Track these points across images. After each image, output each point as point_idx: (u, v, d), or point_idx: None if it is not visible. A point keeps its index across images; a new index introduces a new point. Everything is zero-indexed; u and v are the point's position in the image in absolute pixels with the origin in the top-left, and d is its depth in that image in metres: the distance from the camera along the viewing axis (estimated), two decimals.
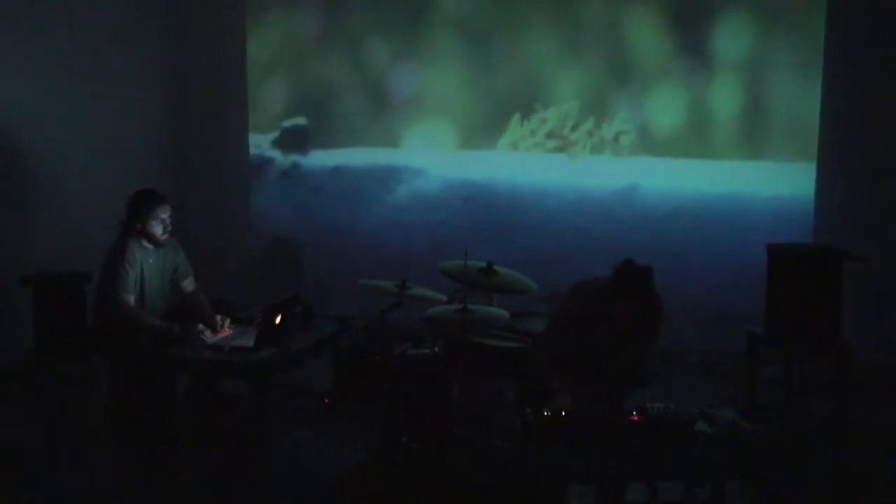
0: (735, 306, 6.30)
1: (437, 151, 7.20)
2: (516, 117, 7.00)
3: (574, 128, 6.89)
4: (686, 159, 6.91)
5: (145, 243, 5.09)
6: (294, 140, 7.44)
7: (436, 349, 4.97)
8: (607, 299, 4.24)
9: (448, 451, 4.47)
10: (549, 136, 6.89)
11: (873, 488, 4.67)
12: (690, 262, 6.86)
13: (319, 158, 7.42)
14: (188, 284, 5.34)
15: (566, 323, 4.47)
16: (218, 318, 5.09)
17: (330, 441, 4.90)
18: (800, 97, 6.69)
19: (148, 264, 5.12)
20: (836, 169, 6.61)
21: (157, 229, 5.08)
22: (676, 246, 6.86)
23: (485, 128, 7.14)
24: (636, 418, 3.94)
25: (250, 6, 7.47)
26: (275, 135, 7.49)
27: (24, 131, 6.10)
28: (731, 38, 6.75)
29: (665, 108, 6.88)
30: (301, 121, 7.41)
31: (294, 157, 7.43)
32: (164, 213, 5.10)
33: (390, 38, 7.23)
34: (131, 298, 4.99)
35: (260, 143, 7.54)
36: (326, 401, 5.22)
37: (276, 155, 7.49)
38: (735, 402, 5.12)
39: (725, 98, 6.82)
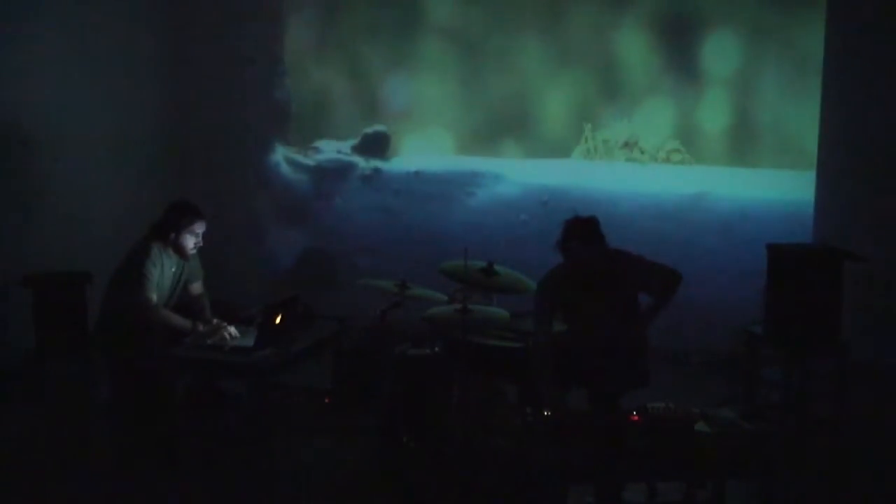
0: (735, 306, 6.30)
1: (511, 159, 7.33)
2: (588, 127, 7.11)
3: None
4: (687, 166, 7.00)
5: (171, 252, 5.11)
6: (374, 146, 7.53)
7: (436, 349, 4.97)
8: (565, 252, 4.52)
9: (448, 451, 4.47)
10: (625, 146, 7.02)
11: (873, 488, 4.67)
12: (691, 263, 6.86)
13: (400, 164, 7.50)
14: (197, 287, 5.35)
15: (543, 311, 4.63)
16: (215, 321, 5.09)
17: (330, 441, 4.90)
18: (799, 105, 6.72)
19: (169, 271, 5.13)
20: (836, 172, 6.59)
21: (190, 242, 5.12)
22: (676, 247, 6.86)
23: (481, 137, 7.27)
24: (636, 418, 3.94)
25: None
26: (354, 141, 7.58)
27: (24, 132, 6.09)
28: (724, 52, 6.81)
29: (657, 118, 6.99)
30: (381, 127, 7.50)
31: (375, 163, 7.50)
32: (201, 229, 5.16)
33: (385, 47, 7.34)
34: (155, 297, 5.01)
35: (341, 149, 7.61)
36: (326, 401, 5.23)
37: (359, 160, 7.55)
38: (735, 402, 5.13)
39: (725, 109, 6.90)
